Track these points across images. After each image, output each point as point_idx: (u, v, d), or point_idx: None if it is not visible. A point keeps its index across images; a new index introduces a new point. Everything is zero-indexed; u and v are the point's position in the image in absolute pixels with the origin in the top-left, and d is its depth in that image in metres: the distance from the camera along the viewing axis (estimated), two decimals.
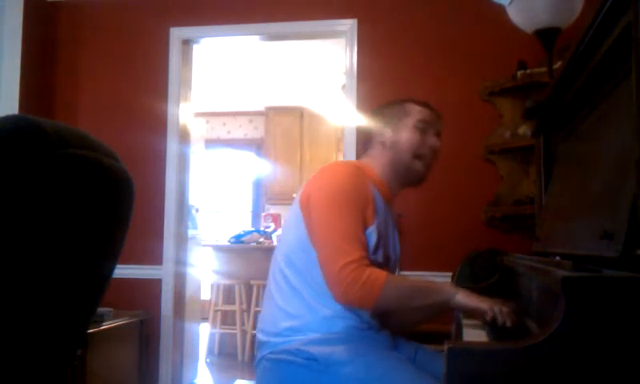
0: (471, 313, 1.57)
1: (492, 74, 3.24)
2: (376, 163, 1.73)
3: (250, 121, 7.80)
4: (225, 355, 5.17)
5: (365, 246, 1.54)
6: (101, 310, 2.94)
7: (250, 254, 5.27)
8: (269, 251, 4.73)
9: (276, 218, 6.11)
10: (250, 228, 6.33)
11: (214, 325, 5.18)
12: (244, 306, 5.08)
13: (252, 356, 4.87)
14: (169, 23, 3.72)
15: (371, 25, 3.48)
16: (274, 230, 5.78)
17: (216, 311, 5.17)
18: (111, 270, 1.06)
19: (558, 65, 2.04)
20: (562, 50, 2.22)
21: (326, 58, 5.48)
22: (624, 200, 1.05)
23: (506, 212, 3.09)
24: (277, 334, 1.57)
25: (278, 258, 1.65)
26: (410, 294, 1.57)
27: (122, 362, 3.32)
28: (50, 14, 3.83)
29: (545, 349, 0.93)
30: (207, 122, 6.95)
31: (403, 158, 1.70)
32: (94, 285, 1.02)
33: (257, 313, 4.87)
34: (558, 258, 1.35)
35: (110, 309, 3.09)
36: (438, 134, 1.74)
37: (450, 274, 3.02)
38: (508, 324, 1.40)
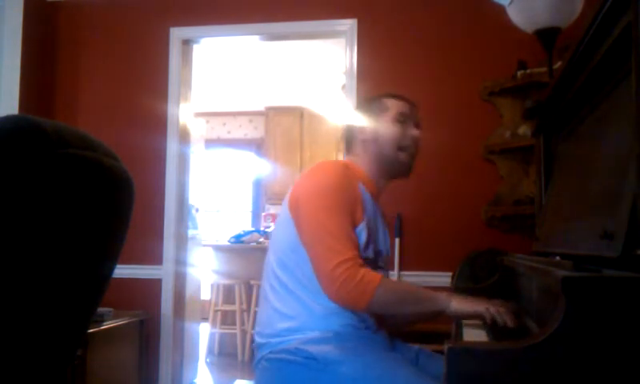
0: (469, 318, 1.57)
1: (492, 74, 3.24)
2: (361, 161, 1.75)
3: (250, 121, 7.80)
4: (225, 355, 5.17)
5: (356, 245, 1.55)
6: (101, 309, 2.94)
7: (250, 254, 5.27)
8: None
9: (276, 218, 6.10)
10: (249, 228, 6.33)
11: (213, 325, 5.18)
12: (244, 306, 5.09)
13: (252, 356, 4.86)
14: (169, 23, 3.72)
15: (371, 25, 3.48)
16: None
17: (216, 311, 5.17)
18: (111, 269, 1.06)
19: (558, 65, 2.04)
20: (562, 49, 2.21)
21: (326, 58, 5.47)
22: (624, 200, 1.05)
23: (506, 212, 3.08)
24: (275, 335, 1.58)
25: (270, 260, 1.65)
26: (403, 300, 1.58)
27: (122, 361, 3.32)
28: (50, 14, 3.83)
29: (545, 349, 0.93)
30: (207, 121, 6.94)
31: (387, 152, 1.72)
32: (94, 285, 1.02)
33: (257, 313, 4.86)
34: (558, 257, 1.35)
35: (110, 309, 3.09)
36: (417, 125, 1.77)
37: (450, 273, 3.02)
38: (509, 324, 1.40)
